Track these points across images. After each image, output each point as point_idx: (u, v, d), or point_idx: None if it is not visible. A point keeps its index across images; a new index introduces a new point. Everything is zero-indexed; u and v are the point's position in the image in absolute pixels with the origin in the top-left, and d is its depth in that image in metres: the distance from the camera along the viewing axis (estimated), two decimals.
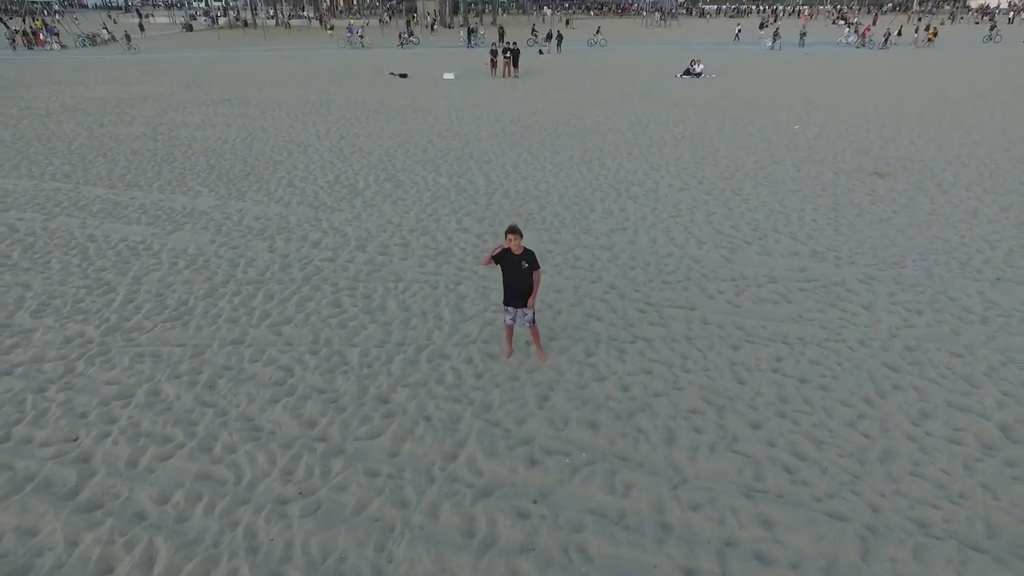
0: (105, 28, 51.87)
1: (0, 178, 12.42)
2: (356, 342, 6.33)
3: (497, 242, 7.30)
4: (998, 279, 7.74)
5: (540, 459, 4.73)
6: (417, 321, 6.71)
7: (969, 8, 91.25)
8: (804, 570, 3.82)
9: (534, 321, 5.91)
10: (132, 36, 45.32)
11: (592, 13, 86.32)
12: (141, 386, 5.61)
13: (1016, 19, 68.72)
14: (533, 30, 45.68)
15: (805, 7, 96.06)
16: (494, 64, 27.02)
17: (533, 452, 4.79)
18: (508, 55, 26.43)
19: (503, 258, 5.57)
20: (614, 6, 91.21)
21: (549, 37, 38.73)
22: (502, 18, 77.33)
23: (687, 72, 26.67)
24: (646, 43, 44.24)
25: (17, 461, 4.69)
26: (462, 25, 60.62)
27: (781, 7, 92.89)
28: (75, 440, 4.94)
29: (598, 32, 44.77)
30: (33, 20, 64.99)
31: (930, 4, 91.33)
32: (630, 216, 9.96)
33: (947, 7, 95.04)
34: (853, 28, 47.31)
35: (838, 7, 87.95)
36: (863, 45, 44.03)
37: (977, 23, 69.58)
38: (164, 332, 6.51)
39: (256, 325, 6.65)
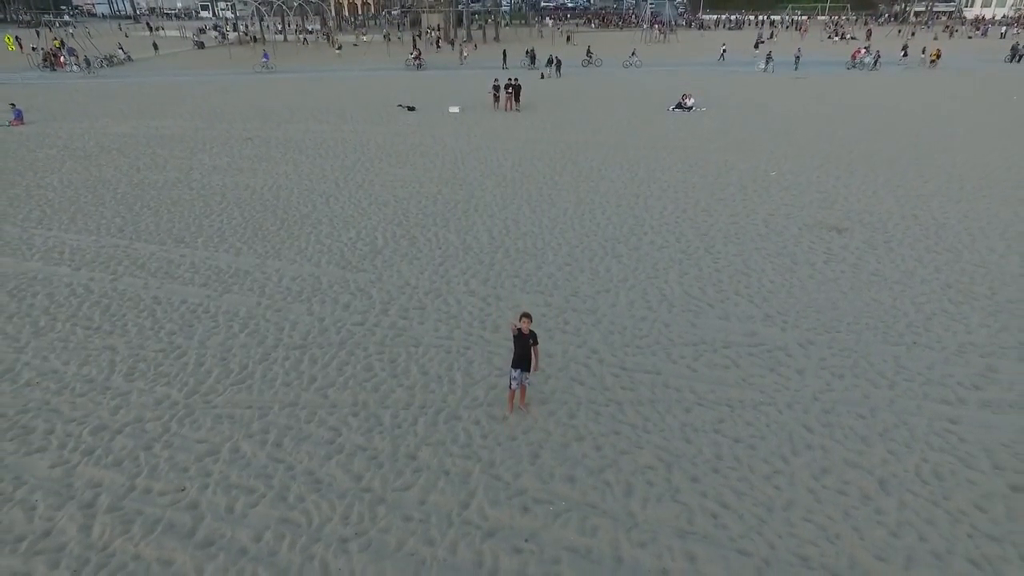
0: (121, 48, 53.65)
1: (62, 231, 14.13)
2: (387, 404, 7.98)
3: (511, 321, 8.94)
4: (914, 343, 9.36)
5: (531, 507, 6.38)
6: (435, 385, 8.36)
7: (964, 20, 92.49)
8: None
9: (529, 382, 7.64)
10: (92, 61, 46.49)
11: (593, 25, 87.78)
12: (224, 444, 7.27)
13: (1009, 33, 69.83)
14: (588, 51, 47.14)
15: (805, 17, 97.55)
16: (497, 98, 28.68)
17: (526, 502, 6.44)
18: (510, 90, 28.09)
19: (517, 336, 7.27)
20: (615, 18, 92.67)
21: (550, 62, 40.31)
22: (504, 30, 78.77)
23: (679, 106, 28.28)
24: (646, 65, 45.72)
25: (145, 507, 6.36)
26: (461, 41, 62.24)
27: (779, 18, 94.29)
28: (183, 491, 6.60)
29: (633, 54, 46.35)
30: (49, 32, 66.75)
31: (926, 16, 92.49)
32: (613, 277, 11.60)
33: (944, 18, 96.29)
34: (867, 49, 47.82)
35: (834, 19, 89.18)
36: (854, 67, 45.54)
37: (970, 37, 70.70)
38: (234, 395, 8.18)
39: (306, 388, 8.32)
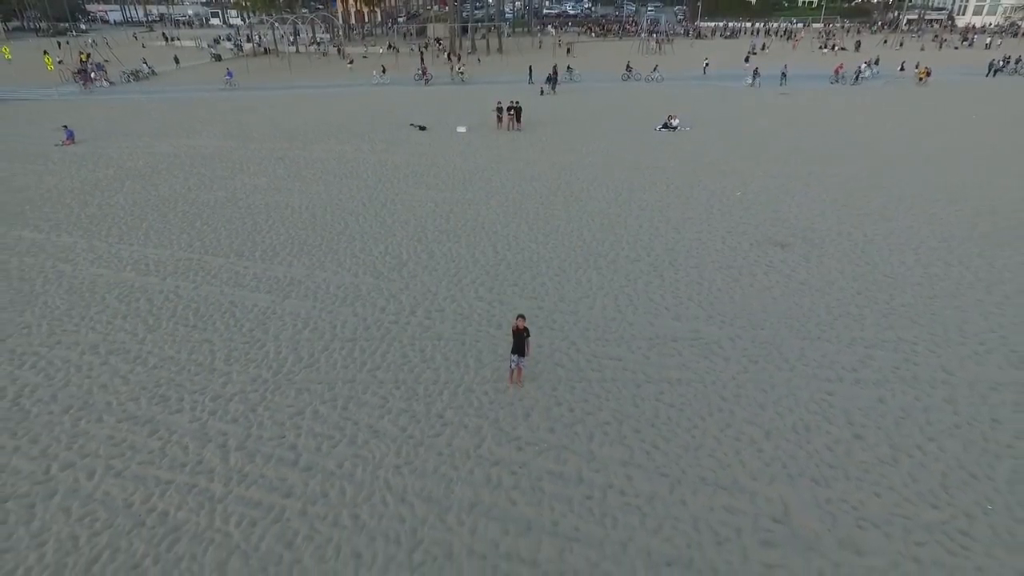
0: (145, 62, 56.67)
1: (142, 246, 17.15)
2: (420, 381, 10.96)
3: (512, 323, 11.90)
4: (818, 338, 12.28)
5: (523, 447, 9.34)
6: (454, 368, 11.33)
7: (954, 29, 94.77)
8: (641, 496, 8.41)
9: (524, 365, 10.61)
10: (91, 78, 49.41)
11: (593, 34, 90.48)
12: (307, 408, 10.26)
13: (993, 43, 72.00)
14: (628, 66, 49.97)
15: (801, 25, 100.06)
16: (500, 118, 31.64)
17: (520, 444, 9.40)
18: (512, 112, 31.05)
19: (515, 331, 10.23)
20: (615, 26, 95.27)
21: (550, 80, 43.19)
22: (507, 40, 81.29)
23: (665, 125, 31.19)
24: (637, 79, 48.62)
25: (261, 447, 9.35)
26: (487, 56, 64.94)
27: (775, 25, 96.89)
28: (283, 438, 9.58)
29: (655, 69, 49.34)
30: (69, 45, 69.75)
31: (918, 25, 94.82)
32: (593, 286, 14.54)
33: (936, 26, 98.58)
34: (868, 64, 50.66)
35: (827, 28, 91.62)
36: (836, 81, 48.23)
37: (956, 48, 72.94)
38: (307, 375, 11.17)
39: (359, 370, 11.30)
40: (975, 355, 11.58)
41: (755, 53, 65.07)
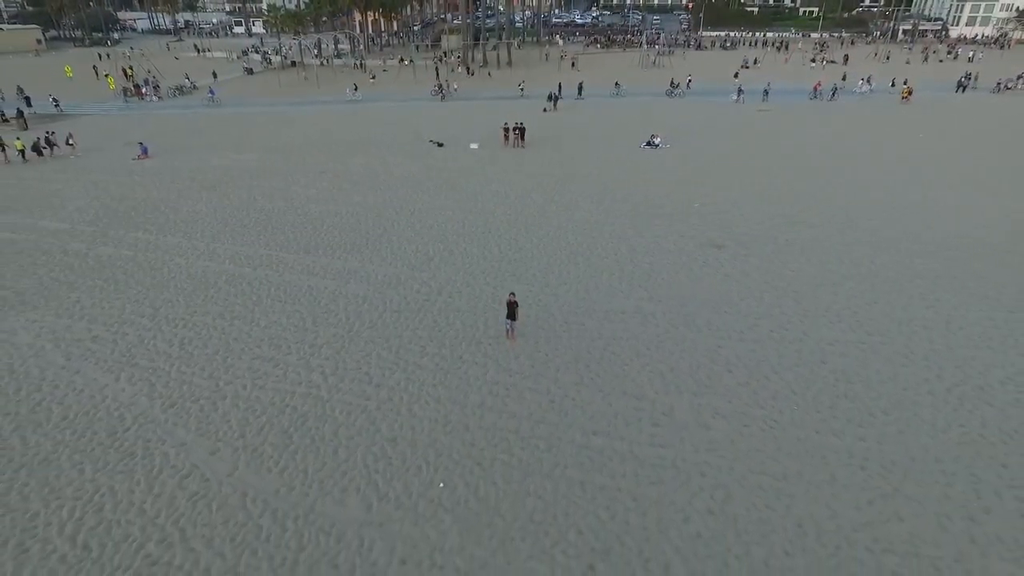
0: (187, 78, 62.47)
1: (231, 245, 22.60)
2: (447, 337, 16.26)
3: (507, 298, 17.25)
4: (724, 312, 17.44)
5: (513, 375, 14.62)
6: (469, 329, 16.64)
7: (946, 39, 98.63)
8: (584, 401, 13.66)
9: (515, 328, 15.90)
10: (143, 93, 55.94)
11: (599, 46, 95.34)
12: (372, 352, 15.60)
13: (976, 57, 75.80)
14: (672, 82, 54.57)
15: (798, 36, 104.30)
16: (507, 137, 36.89)
17: (511, 373, 14.68)
18: (517, 131, 36.31)
19: (508, 303, 15.50)
20: (621, 39, 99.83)
21: (551, 98, 48.34)
22: (517, 52, 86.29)
23: (648, 143, 36.29)
24: (632, 94, 53.70)
25: (347, 374, 14.69)
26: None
27: (773, 35, 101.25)
28: (359, 369, 14.92)
29: (677, 86, 54.16)
30: (108, 56, 75.70)
31: (911, 36, 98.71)
32: (570, 276, 19.78)
33: (929, 36, 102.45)
34: (866, 80, 55.44)
35: (821, 40, 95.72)
36: (815, 97, 52.94)
37: (941, 61, 76.93)
38: (371, 333, 16.51)
39: (405, 330, 16.62)
40: (829, 323, 16.73)
41: (747, 67, 69.79)
